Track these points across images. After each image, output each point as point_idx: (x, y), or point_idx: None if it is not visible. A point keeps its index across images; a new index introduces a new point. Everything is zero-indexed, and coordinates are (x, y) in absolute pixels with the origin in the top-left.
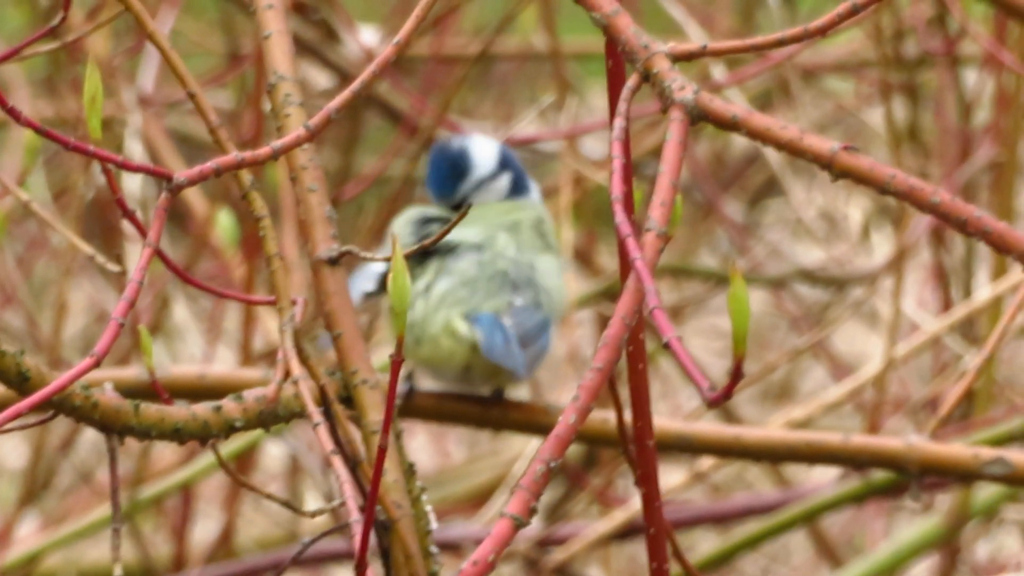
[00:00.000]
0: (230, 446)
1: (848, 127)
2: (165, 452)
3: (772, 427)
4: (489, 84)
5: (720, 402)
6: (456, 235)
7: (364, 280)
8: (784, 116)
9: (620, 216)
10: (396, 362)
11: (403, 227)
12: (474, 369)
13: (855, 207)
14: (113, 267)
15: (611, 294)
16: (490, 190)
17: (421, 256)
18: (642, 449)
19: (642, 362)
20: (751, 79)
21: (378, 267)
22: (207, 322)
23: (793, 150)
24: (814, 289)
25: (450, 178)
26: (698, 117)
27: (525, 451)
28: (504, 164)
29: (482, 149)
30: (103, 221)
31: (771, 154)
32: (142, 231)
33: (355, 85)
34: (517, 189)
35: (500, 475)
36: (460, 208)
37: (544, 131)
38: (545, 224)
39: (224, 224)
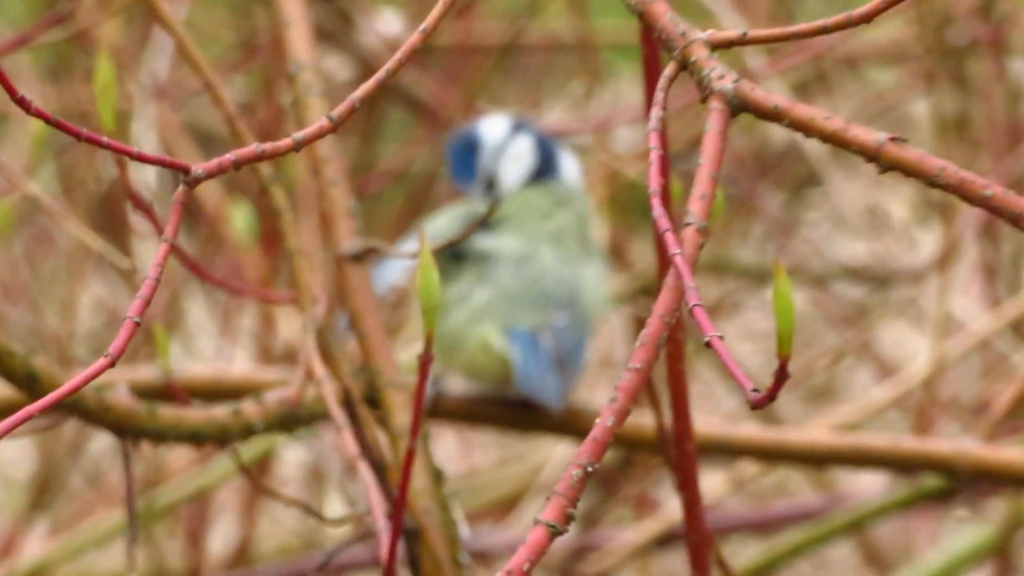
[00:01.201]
0: (246, 451)
1: (891, 119)
2: (178, 457)
3: (816, 430)
4: (516, 73)
5: (764, 404)
6: (495, 244)
7: (392, 271)
8: (824, 107)
9: (658, 210)
10: (424, 362)
11: (446, 222)
12: (509, 382)
13: (899, 201)
14: (126, 264)
15: (645, 292)
16: (513, 157)
17: (457, 259)
18: (682, 453)
19: (681, 362)
20: (790, 68)
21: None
22: (222, 321)
23: (838, 142)
24: (857, 287)
25: (465, 158)
26: (738, 107)
27: (555, 456)
28: (519, 127)
29: (490, 121)
30: (112, 216)
31: (810, 146)
32: (158, 226)
33: (380, 74)
34: (544, 150)
35: (528, 481)
36: (495, 199)
37: (574, 122)
38: (587, 222)
39: (241, 219)
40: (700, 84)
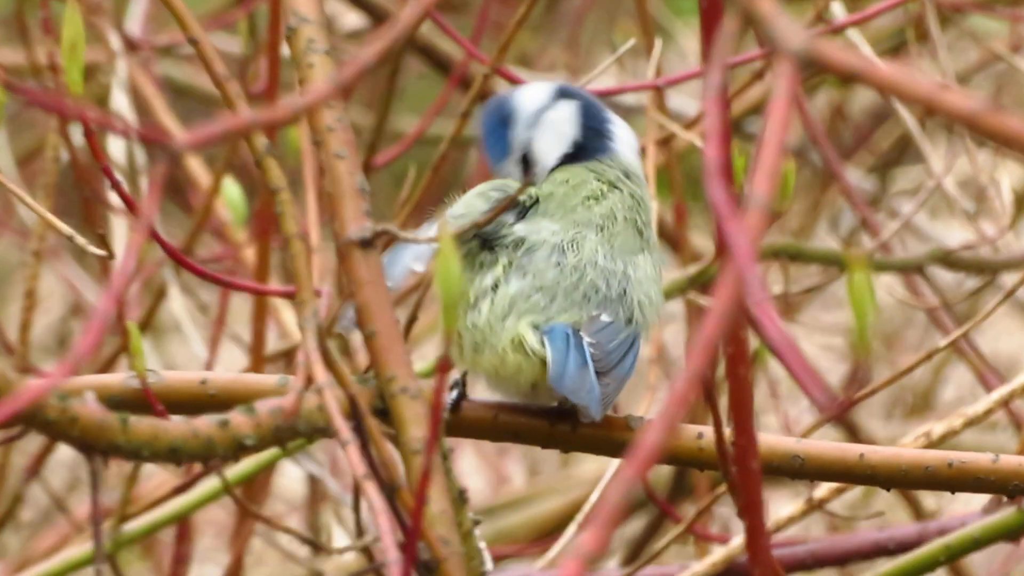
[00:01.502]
0: (238, 467)
1: (999, 75)
2: (157, 475)
3: (905, 445)
4: (557, 24)
5: (840, 415)
6: (531, 228)
7: (411, 257)
8: (920, 63)
9: (716, 189)
10: (443, 366)
11: (473, 203)
12: (543, 388)
13: (1007, 174)
14: (96, 250)
15: (706, 282)
16: (551, 126)
17: (487, 246)
18: (745, 472)
19: (744, 367)
20: (878, 17)
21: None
22: (210, 316)
23: (928, 107)
24: (957, 275)
25: (498, 130)
26: (811, 67)
27: (602, 474)
28: (563, 93)
29: (528, 88)
30: (82, 192)
31: (904, 109)
32: (132, 207)
33: (395, 31)
34: (591, 119)
35: (571, 503)
36: (530, 175)
37: (626, 82)
38: (642, 208)
39: (231, 197)
40: (766, 42)
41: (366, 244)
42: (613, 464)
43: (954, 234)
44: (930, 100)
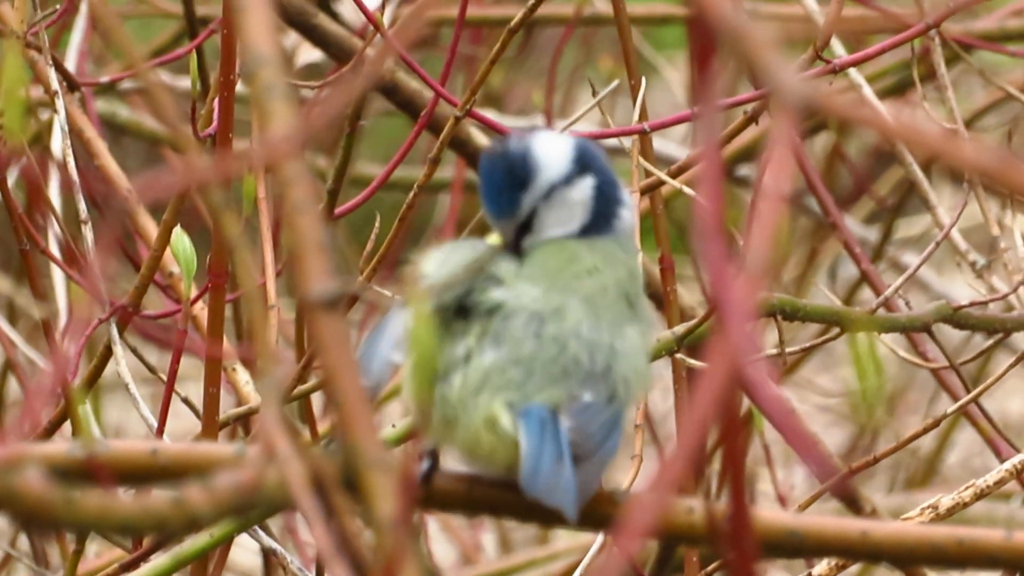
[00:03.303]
0: (191, 542)
1: (1015, 113)
2: (102, 547)
3: (912, 518)
4: (531, 57)
5: (841, 489)
6: (512, 295)
7: (388, 346)
8: (926, 103)
9: (707, 244)
10: (414, 437)
11: (440, 265)
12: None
13: (1021, 224)
14: (36, 310)
15: (695, 342)
16: (566, 204)
17: (461, 310)
18: (739, 550)
19: (737, 437)
20: (881, 55)
21: (402, 324)
22: (157, 379)
23: (933, 155)
24: (967, 333)
25: (508, 188)
26: (809, 112)
27: (580, 547)
28: (583, 165)
29: (548, 146)
30: (19, 237)
31: (908, 153)
32: (67, 273)
33: (362, 80)
34: (604, 204)
35: None
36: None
37: (608, 122)
38: (635, 281)
39: (181, 249)
40: (760, 84)
41: (330, 304)
42: (594, 538)
43: (962, 289)
44: (935, 149)
